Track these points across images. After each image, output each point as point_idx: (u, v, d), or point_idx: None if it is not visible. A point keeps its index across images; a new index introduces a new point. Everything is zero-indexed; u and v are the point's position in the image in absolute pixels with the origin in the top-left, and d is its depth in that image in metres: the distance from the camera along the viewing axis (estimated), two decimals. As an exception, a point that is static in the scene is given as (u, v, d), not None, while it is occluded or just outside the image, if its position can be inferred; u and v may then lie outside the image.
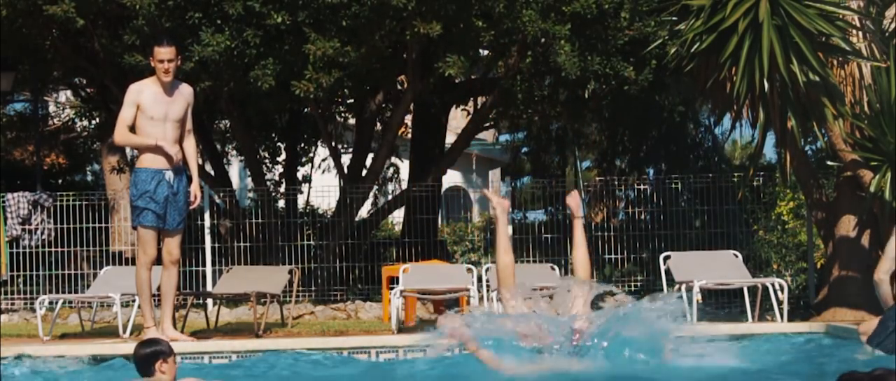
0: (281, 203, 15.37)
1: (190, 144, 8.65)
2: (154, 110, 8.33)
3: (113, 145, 18.27)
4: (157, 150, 8.35)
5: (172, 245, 8.66)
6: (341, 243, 13.91)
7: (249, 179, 17.10)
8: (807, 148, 11.42)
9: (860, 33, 9.73)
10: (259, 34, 11.04)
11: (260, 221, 14.14)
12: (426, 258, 13.29)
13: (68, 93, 19.96)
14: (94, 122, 16.91)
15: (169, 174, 8.43)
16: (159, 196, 8.41)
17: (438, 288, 10.53)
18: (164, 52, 8.27)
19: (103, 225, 13.91)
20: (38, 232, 13.54)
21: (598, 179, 17.64)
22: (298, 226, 14.45)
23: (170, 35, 9.11)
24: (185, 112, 8.54)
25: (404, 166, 18.64)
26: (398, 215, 16.95)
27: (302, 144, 16.59)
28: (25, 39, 12.25)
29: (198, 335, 9.96)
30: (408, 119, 16.15)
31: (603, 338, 6.65)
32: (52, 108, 21.96)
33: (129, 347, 8.67)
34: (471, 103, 16.05)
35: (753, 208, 13.67)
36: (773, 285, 10.09)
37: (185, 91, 8.58)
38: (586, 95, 13.45)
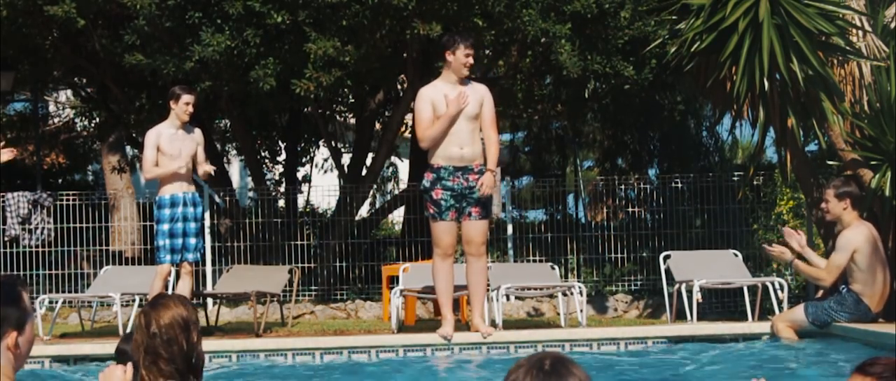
0: (281, 203, 15.37)
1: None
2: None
3: (113, 145, 18.35)
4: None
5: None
6: (341, 242, 13.91)
7: (249, 179, 17.10)
8: (806, 147, 11.41)
9: (860, 32, 9.73)
10: (259, 34, 11.04)
11: (260, 220, 14.15)
12: (426, 258, 13.27)
13: (68, 93, 19.96)
14: (94, 122, 16.90)
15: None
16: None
17: (438, 288, 10.52)
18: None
19: (103, 225, 13.91)
20: (38, 232, 13.54)
21: (599, 178, 17.63)
22: (298, 225, 14.45)
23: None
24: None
25: (404, 166, 18.64)
26: (398, 215, 16.94)
27: (302, 144, 16.58)
28: (25, 39, 12.24)
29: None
30: (408, 119, 16.15)
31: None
32: (52, 108, 21.95)
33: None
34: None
35: (754, 207, 13.67)
36: (773, 284, 10.10)
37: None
38: (586, 95, 13.46)
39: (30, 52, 12.88)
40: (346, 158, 15.49)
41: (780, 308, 9.72)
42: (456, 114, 8.21)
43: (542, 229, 14.83)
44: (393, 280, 11.23)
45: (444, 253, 8.37)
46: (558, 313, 11.33)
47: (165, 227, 9.41)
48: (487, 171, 8.35)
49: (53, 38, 12.28)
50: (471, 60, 8.25)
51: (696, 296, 10.02)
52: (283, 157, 16.39)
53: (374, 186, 16.58)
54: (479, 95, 8.36)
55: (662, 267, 10.85)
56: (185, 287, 9.43)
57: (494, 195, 8.76)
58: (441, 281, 8.41)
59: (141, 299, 10.67)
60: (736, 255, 11.14)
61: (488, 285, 9.42)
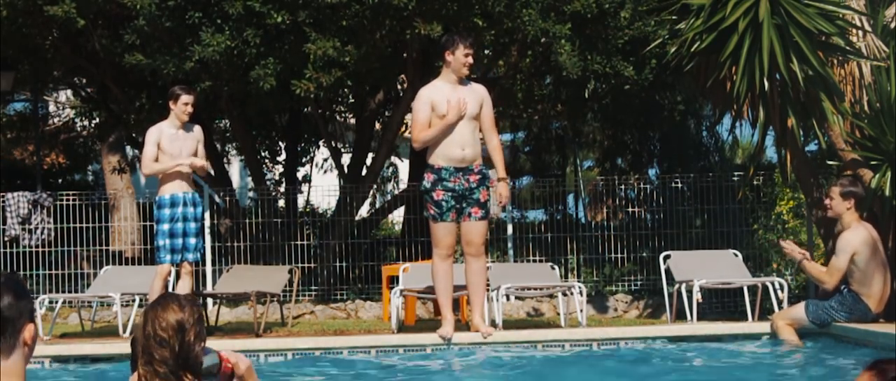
0: (281, 203, 15.37)
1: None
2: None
3: (113, 145, 18.35)
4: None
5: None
6: (341, 242, 13.90)
7: (249, 179, 17.11)
8: (806, 147, 11.41)
9: (860, 32, 9.73)
10: (259, 34, 11.04)
11: (260, 220, 14.15)
12: (426, 258, 13.27)
13: (68, 93, 19.97)
14: (94, 122, 16.91)
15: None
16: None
17: (438, 288, 10.52)
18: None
19: (103, 225, 13.90)
20: (38, 232, 13.54)
21: (599, 178, 17.63)
22: (298, 225, 14.45)
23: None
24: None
25: (404, 166, 18.65)
26: (398, 215, 16.94)
27: (302, 144, 16.58)
28: (25, 39, 12.24)
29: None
30: (408, 118, 16.15)
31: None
32: (52, 108, 21.96)
33: (129, 347, 8.71)
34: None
35: (754, 207, 13.67)
36: (773, 284, 10.10)
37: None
38: (586, 95, 13.46)
39: (30, 52, 12.88)
40: (346, 158, 15.48)
41: (780, 308, 9.72)
42: (455, 121, 8.19)
43: (542, 229, 14.82)
44: (393, 280, 11.23)
45: (444, 254, 8.37)
46: (558, 313, 11.33)
47: (165, 227, 9.41)
48: (501, 181, 8.34)
49: (53, 38, 12.28)
50: (470, 60, 8.23)
51: (696, 296, 10.01)
52: (283, 157, 16.39)
53: (374, 187, 16.58)
54: (479, 96, 8.35)
55: (662, 267, 10.85)
56: (185, 287, 9.42)
57: (494, 196, 8.74)
58: (441, 281, 8.41)
59: (141, 300, 10.68)
60: (736, 255, 11.13)
61: (488, 284, 9.41)
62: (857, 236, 8.21)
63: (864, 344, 7.75)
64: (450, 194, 8.21)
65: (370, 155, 15.03)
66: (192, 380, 3.43)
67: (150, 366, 3.37)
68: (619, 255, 13.89)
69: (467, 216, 8.30)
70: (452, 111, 8.14)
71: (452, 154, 8.21)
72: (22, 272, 13.41)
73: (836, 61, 9.82)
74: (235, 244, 13.70)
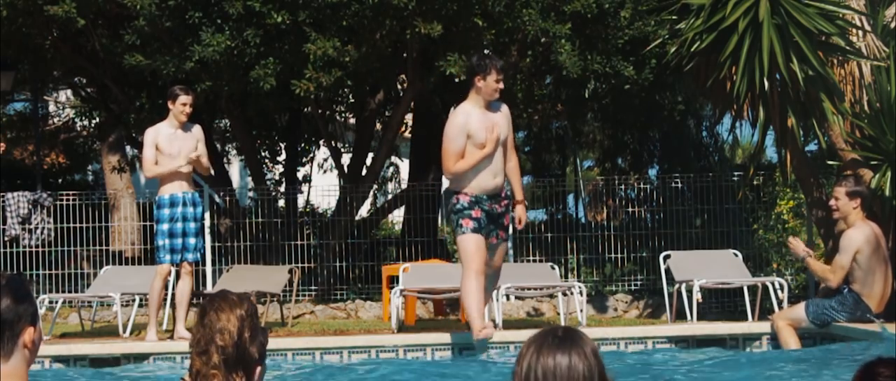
0: (281, 203, 15.37)
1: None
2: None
3: (113, 145, 18.35)
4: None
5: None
6: (341, 242, 13.90)
7: (249, 179, 17.11)
8: (806, 147, 11.42)
9: (860, 32, 9.74)
10: (259, 34, 11.04)
11: (260, 220, 14.14)
12: (426, 258, 13.29)
13: (68, 93, 19.97)
14: (94, 122, 16.91)
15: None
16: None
17: (438, 287, 10.53)
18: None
19: (103, 224, 13.91)
20: (38, 231, 13.53)
21: (599, 178, 17.64)
22: (298, 225, 14.45)
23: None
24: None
25: (404, 166, 18.65)
26: (398, 215, 16.94)
27: (302, 144, 16.58)
28: (25, 39, 12.25)
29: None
30: (408, 118, 16.15)
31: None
32: (52, 108, 21.96)
33: (129, 347, 8.72)
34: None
35: (754, 207, 13.68)
36: (773, 284, 10.10)
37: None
38: (586, 95, 13.47)
39: (30, 52, 12.88)
40: (346, 158, 15.49)
41: (780, 308, 9.73)
42: (493, 152, 7.94)
43: (542, 228, 14.83)
44: (393, 280, 11.23)
45: (478, 269, 8.00)
46: (558, 313, 11.34)
47: (165, 227, 9.40)
48: (519, 204, 8.18)
49: (53, 38, 12.29)
50: (501, 85, 7.94)
51: (696, 296, 10.02)
52: (283, 157, 16.38)
53: (374, 186, 16.59)
54: (508, 119, 8.14)
55: (662, 267, 10.85)
56: (185, 287, 9.41)
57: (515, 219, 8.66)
58: (473, 300, 7.91)
59: (141, 299, 10.68)
60: (736, 255, 11.14)
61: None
62: (861, 234, 8.19)
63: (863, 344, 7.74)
64: (485, 214, 8.00)
65: (370, 155, 15.03)
66: (244, 377, 3.42)
67: (207, 365, 3.37)
68: (618, 255, 13.89)
69: (494, 238, 8.13)
70: (491, 143, 7.92)
71: (486, 185, 7.94)
72: (22, 272, 13.41)
73: (836, 61, 9.83)
74: (235, 244, 13.69)
